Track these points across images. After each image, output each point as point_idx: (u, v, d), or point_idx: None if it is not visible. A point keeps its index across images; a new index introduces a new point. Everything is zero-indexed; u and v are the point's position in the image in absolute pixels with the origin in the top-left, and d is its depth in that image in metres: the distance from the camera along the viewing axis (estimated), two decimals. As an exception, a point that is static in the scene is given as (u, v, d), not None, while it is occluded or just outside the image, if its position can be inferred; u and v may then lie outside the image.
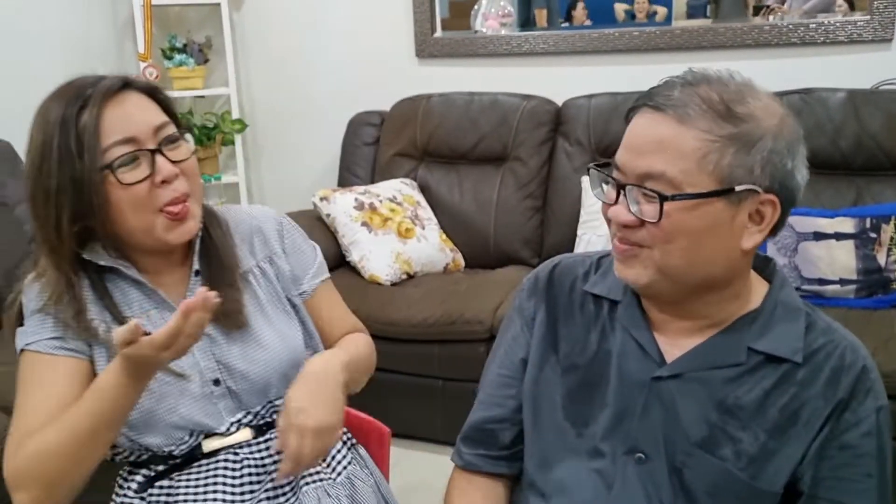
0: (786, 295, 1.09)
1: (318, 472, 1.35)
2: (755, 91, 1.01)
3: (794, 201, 1.02)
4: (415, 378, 2.74)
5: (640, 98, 1.03)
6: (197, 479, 1.27)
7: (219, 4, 3.51)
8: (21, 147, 1.62)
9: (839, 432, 1.01)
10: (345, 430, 1.46)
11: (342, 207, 2.99)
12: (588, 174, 1.10)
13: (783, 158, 0.99)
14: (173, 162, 1.21)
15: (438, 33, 3.43)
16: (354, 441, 1.48)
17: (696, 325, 1.08)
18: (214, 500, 1.25)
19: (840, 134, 2.68)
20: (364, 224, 2.96)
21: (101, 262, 1.25)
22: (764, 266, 1.12)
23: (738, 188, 0.97)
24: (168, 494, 1.27)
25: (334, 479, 1.36)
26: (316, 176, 3.64)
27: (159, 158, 1.20)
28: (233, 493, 1.26)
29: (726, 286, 1.05)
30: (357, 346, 1.46)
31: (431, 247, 3.03)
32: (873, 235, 2.48)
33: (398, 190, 3.13)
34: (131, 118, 1.19)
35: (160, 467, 1.28)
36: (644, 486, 1.05)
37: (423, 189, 3.22)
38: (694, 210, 0.97)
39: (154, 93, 1.26)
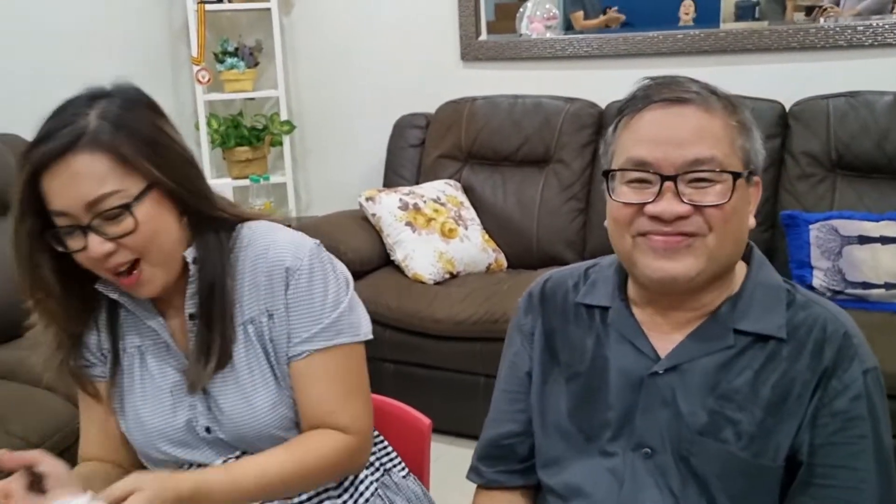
0: (765, 275, 1.13)
1: None
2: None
3: None
4: (458, 374, 2.79)
5: (652, 97, 1.09)
6: None
7: (269, 9, 3.59)
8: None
9: (828, 400, 1.03)
10: (374, 455, 1.36)
11: (387, 207, 3.04)
12: (607, 179, 1.14)
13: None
14: (112, 238, 1.12)
15: (483, 36, 3.47)
16: (390, 465, 1.39)
17: (685, 316, 1.11)
18: None
19: (886, 137, 2.66)
20: (408, 224, 3.01)
21: (111, 296, 1.24)
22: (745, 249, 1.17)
23: (753, 169, 1.07)
24: None
25: None
26: (362, 176, 3.70)
27: (91, 236, 1.11)
28: None
29: (732, 270, 1.11)
30: (278, 466, 1.19)
31: (474, 247, 3.07)
32: (919, 239, 2.45)
33: (442, 191, 3.18)
34: (62, 192, 1.10)
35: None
36: (654, 478, 1.08)
37: (467, 190, 3.26)
38: (739, 190, 1.04)
39: (113, 147, 1.11)
